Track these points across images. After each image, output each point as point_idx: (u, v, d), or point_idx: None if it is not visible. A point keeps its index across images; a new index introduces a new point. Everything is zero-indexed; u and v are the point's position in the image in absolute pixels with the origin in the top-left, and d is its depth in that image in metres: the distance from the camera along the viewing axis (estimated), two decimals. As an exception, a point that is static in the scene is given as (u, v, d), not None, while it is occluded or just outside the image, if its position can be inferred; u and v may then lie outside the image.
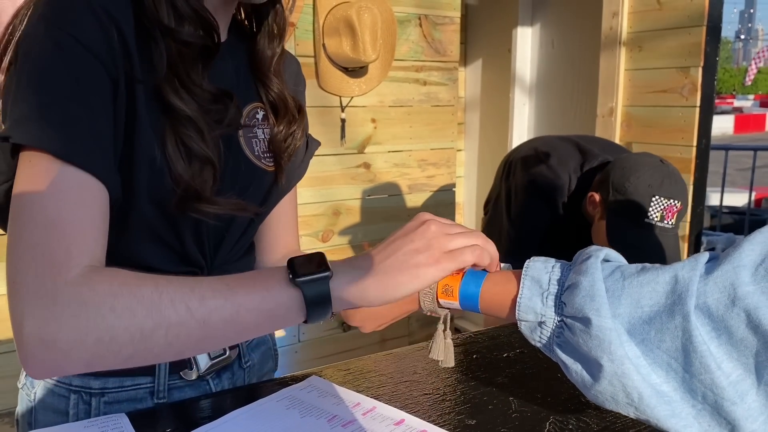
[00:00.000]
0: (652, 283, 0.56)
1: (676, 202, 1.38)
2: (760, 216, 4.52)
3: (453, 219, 2.60)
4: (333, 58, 2.17)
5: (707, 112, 2.61)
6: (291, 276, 0.62)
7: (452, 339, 0.77)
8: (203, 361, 0.85)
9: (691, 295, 0.53)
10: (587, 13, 3.07)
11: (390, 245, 0.66)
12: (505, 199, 1.65)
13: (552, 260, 0.65)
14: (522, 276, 0.64)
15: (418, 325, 2.57)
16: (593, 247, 0.64)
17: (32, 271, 0.59)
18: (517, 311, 0.64)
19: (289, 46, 2.10)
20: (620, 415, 0.79)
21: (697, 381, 0.53)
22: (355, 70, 2.22)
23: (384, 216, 2.41)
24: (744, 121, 19.25)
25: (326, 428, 0.75)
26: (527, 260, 0.66)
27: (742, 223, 3.81)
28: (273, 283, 0.62)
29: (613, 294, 0.57)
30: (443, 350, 0.76)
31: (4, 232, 0.78)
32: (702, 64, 2.54)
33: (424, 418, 0.78)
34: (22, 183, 0.63)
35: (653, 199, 1.37)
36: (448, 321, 0.77)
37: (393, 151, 2.40)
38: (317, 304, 0.62)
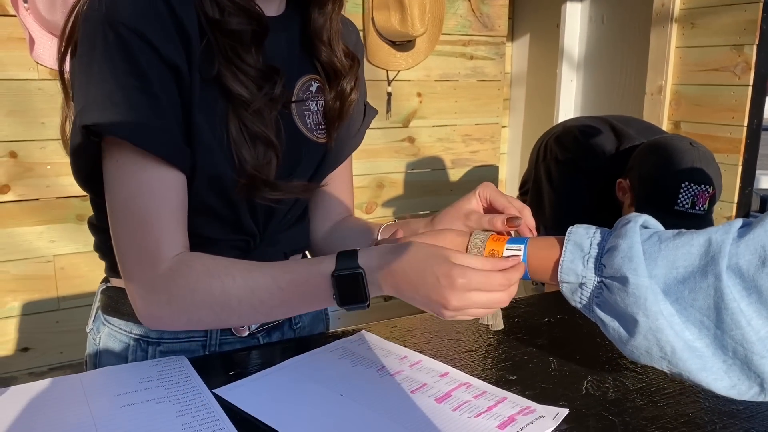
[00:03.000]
0: (687, 246, 0.60)
1: (707, 187, 1.34)
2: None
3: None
4: (381, 31, 2.20)
5: (760, 92, 2.56)
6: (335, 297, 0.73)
7: None
8: None
9: (724, 256, 0.56)
10: (639, -11, 3.02)
11: (416, 288, 0.70)
12: (545, 180, 1.65)
13: (593, 227, 0.70)
14: (565, 241, 0.69)
15: (457, 298, 2.61)
16: (633, 214, 0.67)
17: (133, 258, 0.76)
18: (559, 273, 0.69)
19: (339, 19, 2.14)
20: (656, 376, 0.82)
21: (728, 337, 0.56)
22: (403, 44, 2.25)
23: (426, 190, 2.45)
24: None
25: (376, 377, 0.81)
26: (570, 229, 0.70)
27: (793, 207, 3.73)
28: (321, 300, 0.75)
29: (650, 256, 0.61)
30: (492, 314, 0.81)
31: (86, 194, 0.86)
32: (757, 41, 2.48)
33: (467, 373, 0.83)
34: (111, 175, 0.75)
35: (683, 185, 1.34)
36: None
37: (437, 126, 2.42)
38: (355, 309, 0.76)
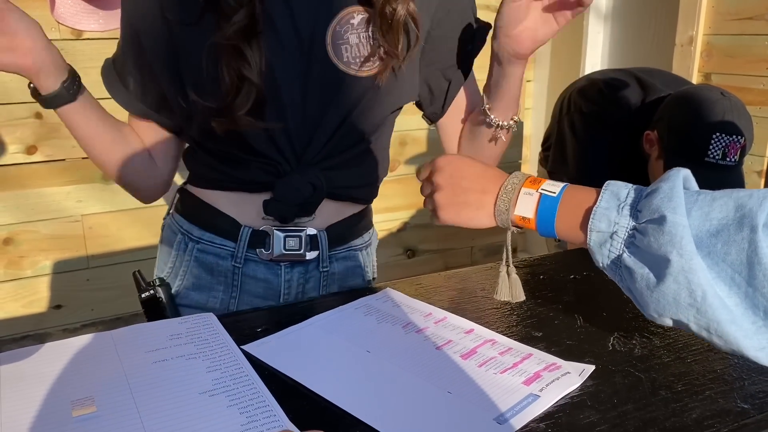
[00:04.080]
0: (725, 198, 0.58)
1: (739, 137, 1.30)
2: None
3: (519, 153, 2.59)
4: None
5: (797, 41, 2.46)
6: None
7: (516, 271, 0.82)
8: (277, 248, 0.94)
9: (763, 210, 0.54)
10: (671, -66, 2.89)
11: None
12: (569, 132, 1.62)
13: (631, 184, 0.67)
14: (602, 190, 0.67)
15: (481, 255, 2.61)
16: (674, 168, 0.64)
17: None
18: (591, 220, 0.66)
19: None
20: (682, 334, 0.82)
21: (760, 295, 0.55)
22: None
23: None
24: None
25: (401, 333, 0.82)
26: (608, 181, 0.68)
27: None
28: None
29: (687, 204, 0.59)
30: (509, 288, 0.81)
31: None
32: (795, -12, 2.38)
33: (492, 329, 0.83)
34: None
35: (714, 136, 1.30)
36: (510, 257, 0.82)
37: (461, 81, 2.38)
38: None
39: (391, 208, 2.35)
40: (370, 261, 1.08)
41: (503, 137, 0.97)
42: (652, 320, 0.64)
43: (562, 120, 1.63)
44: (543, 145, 1.86)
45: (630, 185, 0.66)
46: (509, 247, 0.82)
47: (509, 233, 0.79)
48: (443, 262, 2.54)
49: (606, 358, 0.76)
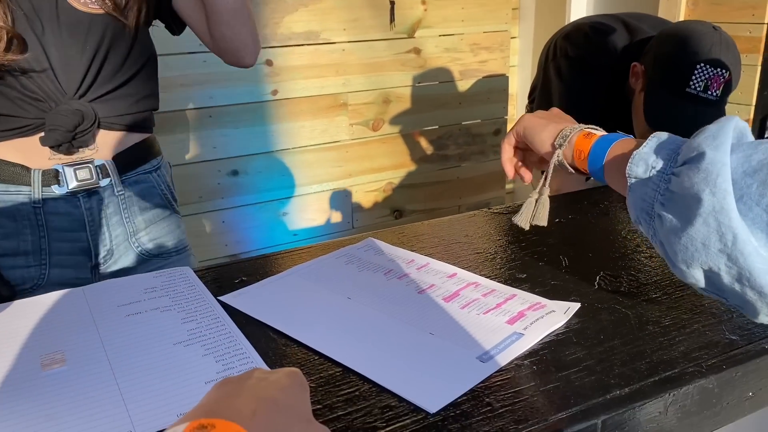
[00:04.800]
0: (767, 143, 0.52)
1: (723, 71, 1.27)
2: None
3: (505, 110, 2.56)
4: (381, -64, 2.08)
5: (783, -15, 2.42)
6: None
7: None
8: (71, 182, 0.99)
9: None
10: None
11: None
12: (555, 76, 1.57)
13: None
14: (649, 137, 0.62)
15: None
16: (728, 116, 0.58)
17: None
18: (629, 164, 0.61)
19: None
20: (669, 272, 0.80)
21: None
22: (405, -51, 2.13)
23: (435, 103, 2.39)
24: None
25: (383, 280, 0.79)
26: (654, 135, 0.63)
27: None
28: None
29: (732, 146, 0.53)
30: (535, 209, 0.80)
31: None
32: (781, -70, 2.33)
33: (475, 273, 0.81)
34: None
35: (698, 67, 1.26)
36: (548, 180, 0.79)
37: (444, 35, 2.34)
38: None
39: (377, 168, 2.32)
40: (164, 182, 1.13)
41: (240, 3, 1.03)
42: (681, 278, 0.58)
43: (548, 66, 1.59)
44: (529, 96, 1.82)
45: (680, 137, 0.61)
46: (551, 169, 0.77)
47: (555, 154, 0.75)
48: (431, 222, 2.53)
49: (592, 296, 0.75)
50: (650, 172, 0.59)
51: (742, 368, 0.62)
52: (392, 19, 2.20)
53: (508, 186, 3.28)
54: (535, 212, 0.81)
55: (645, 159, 0.60)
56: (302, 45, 2.09)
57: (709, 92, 1.25)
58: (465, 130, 2.48)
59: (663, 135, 0.61)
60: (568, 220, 0.99)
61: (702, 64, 1.25)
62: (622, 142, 0.68)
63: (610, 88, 1.46)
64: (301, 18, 2.07)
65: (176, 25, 1.10)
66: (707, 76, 1.25)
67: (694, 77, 1.26)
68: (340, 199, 2.30)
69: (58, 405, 0.56)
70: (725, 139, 0.53)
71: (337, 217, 2.33)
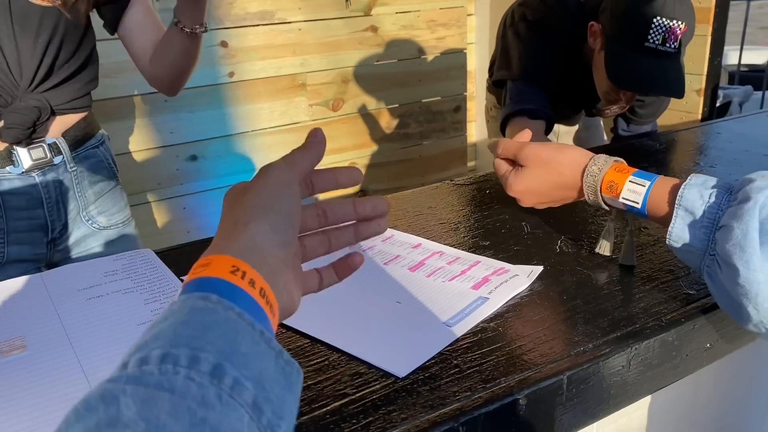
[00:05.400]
0: None
1: (679, 23, 1.28)
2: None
3: (464, 86, 2.57)
4: None
5: (730, -44, 2.47)
6: None
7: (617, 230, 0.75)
8: (26, 161, 1.00)
9: None
10: None
11: None
12: (514, 39, 1.56)
13: (710, 184, 0.61)
14: (675, 206, 0.62)
15: (432, 191, 2.61)
16: (757, 183, 0.57)
17: None
18: (667, 239, 0.63)
19: None
20: (635, 236, 0.82)
21: None
22: (358, -75, 2.11)
23: (394, 82, 2.38)
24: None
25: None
26: (682, 187, 0.62)
27: (761, 80, 3.72)
28: None
29: None
30: (611, 245, 0.76)
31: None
32: None
33: (439, 243, 0.82)
34: None
35: (654, 20, 1.28)
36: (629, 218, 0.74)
37: (401, 12, 2.32)
38: None
39: (338, 149, 2.31)
40: (109, 155, 1.16)
41: (195, 45, 1.05)
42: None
43: (506, 32, 1.59)
44: (489, 71, 1.83)
45: (707, 193, 0.61)
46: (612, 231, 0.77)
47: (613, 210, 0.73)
48: (395, 201, 2.54)
49: (554, 259, 0.76)
50: (691, 248, 0.61)
51: (699, 321, 0.64)
52: (348, -3, 2.18)
53: (470, 163, 3.30)
54: (624, 251, 0.76)
55: (683, 238, 0.61)
56: (257, 25, 2.05)
57: (668, 45, 1.26)
58: (425, 108, 2.49)
59: (688, 202, 0.61)
60: (529, 188, 1.00)
61: (658, 17, 1.26)
62: (653, 195, 0.66)
63: (568, 52, 1.47)
64: (255, -3, 2.03)
65: (112, 29, 1.09)
66: (664, 29, 1.26)
67: (651, 31, 1.27)
68: (303, 181, 2.29)
69: (20, 390, 0.55)
70: (753, 252, 0.54)
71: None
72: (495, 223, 0.88)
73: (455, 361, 0.57)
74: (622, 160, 0.71)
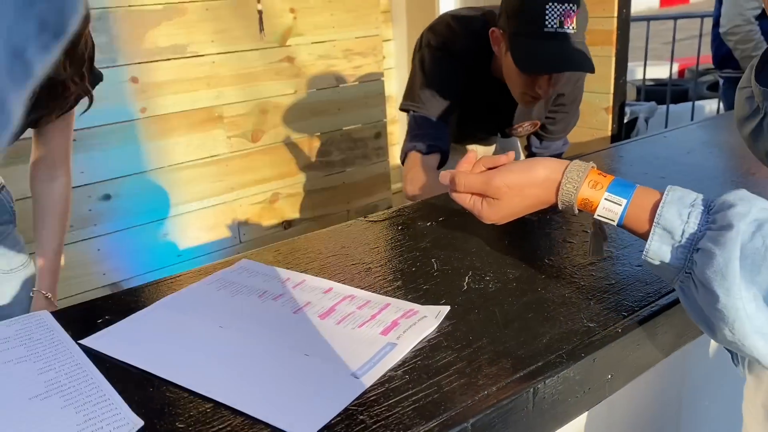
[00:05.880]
0: None
1: (572, 5, 1.32)
2: (682, 86, 4.65)
3: (384, 113, 2.59)
4: (242, -56, 2.04)
5: (627, -18, 2.61)
6: None
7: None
8: None
9: None
10: None
11: None
12: (419, 67, 1.59)
13: (688, 201, 0.62)
14: (654, 224, 0.63)
15: (358, 217, 2.61)
16: (738, 210, 0.58)
17: None
18: (644, 255, 0.64)
19: (194, -66, 1.97)
20: (536, 265, 0.84)
21: None
22: (268, -43, 2.11)
23: (314, 111, 2.38)
24: (670, -5, 19.26)
25: (257, 303, 0.78)
26: (661, 205, 0.63)
27: (665, 94, 3.94)
28: None
29: (754, 261, 0.55)
30: (594, 245, 0.78)
31: None
32: (620, -69, 2.51)
33: (351, 285, 0.81)
34: None
35: (547, 7, 1.31)
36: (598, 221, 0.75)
37: (316, 42, 2.33)
38: None
39: (260, 180, 2.28)
40: (11, 199, 1.16)
41: None
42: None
43: (414, 59, 1.62)
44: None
45: (686, 212, 0.61)
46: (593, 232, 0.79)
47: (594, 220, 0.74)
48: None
49: (462, 297, 0.77)
50: (667, 267, 0.62)
51: (599, 354, 0.66)
52: (261, 29, 2.17)
53: (395, 185, 3.33)
54: (592, 246, 0.79)
55: (660, 256, 0.62)
56: (169, 59, 2.01)
57: (566, 27, 1.30)
58: (346, 136, 2.49)
59: (667, 221, 0.62)
60: (438, 222, 1.02)
61: (551, 3, 1.30)
62: (631, 210, 0.67)
63: (476, 72, 1.50)
64: (166, 32, 1.99)
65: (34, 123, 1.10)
66: (559, 12, 1.30)
67: (547, 17, 1.30)
68: (225, 214, 2.25)
69: None
70: (734, 281, 0.55)
71: (223, 232, 2.27)
72: (406, 260, 0.88)
73: (361, 417, 0.56)
74: (593, 165, 0.71)
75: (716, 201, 0.61)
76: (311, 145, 2.42)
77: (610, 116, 2.78)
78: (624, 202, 0.67)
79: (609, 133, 2.85)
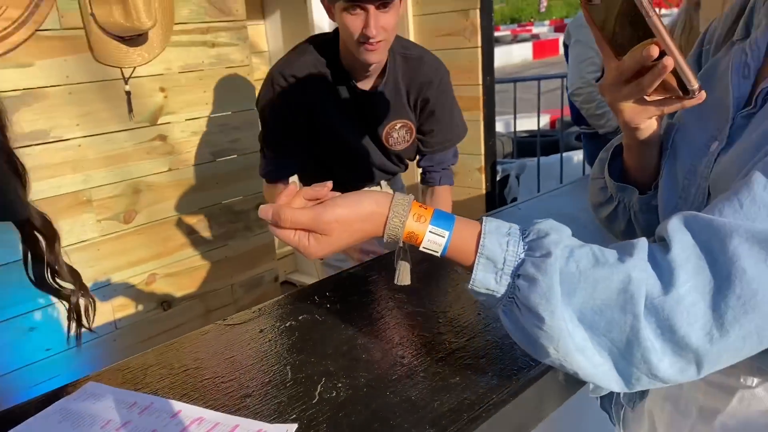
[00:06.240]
0: (606, 281, 0.60)
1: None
2: (553, 136, 5.00)
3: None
4: (105, 27, 2.02)
5: (489, 51, 2.79)
6: None
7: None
8: None
9: (641, 296, 0.58)
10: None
11: None
12: (262, 127, 1.77)
13: (503, 231, 0.67)
14: (478, 255, 0.66)
15: (243, 291, 2.57)
16: (552, 238, 0.64)
17: None
18: (470, 285, 0.67)
19: (53, 18, 1.92)
20: (383, 366, 0.86)
21: (634, 368, 0.61)
22: (133, 38, 2.09)
23: (191, 187, 2.34)
24: (541, 47, 20.75)
25: (99, 436, 0.75)
26: (482, 236, 0.66)
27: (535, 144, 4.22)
28: None
29: (570, 284, 0.61)
30: (403, 272, 0.78)
31: None
32: (479, 5, 2.70)
33: (202, 403, 0.80)
34: None
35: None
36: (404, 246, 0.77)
37: (190, 119, 2.32)
38: None
39: (135, 261, 2.20)
40: None
41: None
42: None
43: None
44: None
45: (504, 240, 0.66)
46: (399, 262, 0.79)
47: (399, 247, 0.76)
48: (204, 307, 2.45)
49: (313, 409, 0.78)
50: (493, 293, 0.67)
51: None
52: (130, 110, 2.13)
53: (279, 251, 3.32)
54: (399, 272, 0.79)
55: (486, 285, 0.66)
56: (30, 146, 1.93)
57: None
58: (227, 209, 2.47)
59: (489, 251, 0.66)
60: (300, 321, 1.03)
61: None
62: (454, 243, 0.70)
63: (323, 87, 1.63)
64: (26, 118, 1.92)
65: None
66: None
67: None
68: (98, 300, 2.14)
69: None
70: (557, 303, 0.61)
71: (96, 320, 2.15)
72: (261, 369, 0.88)
73: None
74: (412, 197, 0.73)
75: (529, 230, 0.67)
76: (189, 222, 2.37)
77: (483, 175, 2.93)
78: (447, 234, 0.69)
79: (483, 191, 3.00)
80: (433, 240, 0.70)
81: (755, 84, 0.71)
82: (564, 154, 4.07)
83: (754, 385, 0.74)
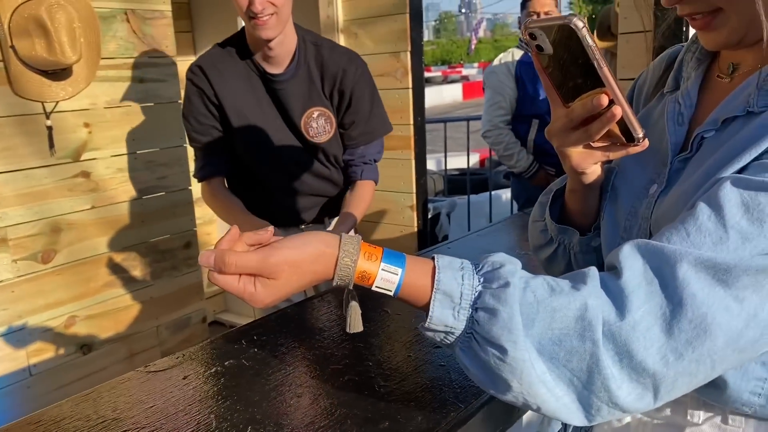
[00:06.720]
0: (564, 310, 0.60)
1: None
2: (483, 174, 5.14)
3: (193, 222, 2.54)
4: (27, 61, 1.95)
5: (419, 92, 2.86)
6: None
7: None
8: None
9: (599, 323, 0.59)
10: (305, 2, 3.15)
11: None
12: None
13: (456, 265, 0.66)
14: (434, 290, 0.65)
15: (168, 333, 2.48)
16: (508, 269, 0.64)
17: None
18: (428, 323, 0.65)
19: (-31, 49, 1.85)
20: (318, 407, 0.85)
21: (595, 397, 0.61)
22: (56, 73, 2.03)
23: (115, 225, 2.27)
24: (470, 88, 21.44)
25: (4, 497, 0.70)
26: (437, 271, 0.65)
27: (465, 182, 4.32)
28: None
29: (528, 316, 0.61)
30: (354, 319, 0.77)
31: None
32: (410, 48, 2.77)
33: (120, 458, 0.76)
34: None
35: None
36: (352, 292, 0.76)
37: (116, 156, 2.25)
38: None
39: (53, 304, 2.10)
40: None
41: None
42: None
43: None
44: None
45: (459, 275, 0.65)
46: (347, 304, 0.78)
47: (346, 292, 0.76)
48: (128, 350, 2.35)
49: (237, 460, 0.75)
50: (451, 329, 0.65)
51: None
52: (51, 145, 2.05)
53: (208, 290, 3.24)
54: (351, 319, 0.78)
55: (443, 321, 0.65)
56: (-61, 182, 1.83)
57: None
58: (153, 248, 2.39)
59: (445, 285, 0.65)
60: (226, 367, 1.00)
61: None
62: (408, 281, 0.69)
63: (234, 77, 1.71)
64: (-65, 152, 1.82)
65: None
66: None
67: None
68: (12, 345, 2.02)
69: None
70: (519, 333, 0.61)
71: (10, 366, 2.03)
72: (183, 416, 0.85)
73: None
74: (360, 236, 0.71)
75: (483, 262, 0.67)
76: (113, 261, 2.29)
77: (415, 213, 2.97)
78: (400, 271, 0.67)
79: (415, 229, 3.03)
80: (386, 278, 0.67)
81: (689, 130, 0.76)
82: (493, 193, 4.18)
83: (700, 422, 0.76)
